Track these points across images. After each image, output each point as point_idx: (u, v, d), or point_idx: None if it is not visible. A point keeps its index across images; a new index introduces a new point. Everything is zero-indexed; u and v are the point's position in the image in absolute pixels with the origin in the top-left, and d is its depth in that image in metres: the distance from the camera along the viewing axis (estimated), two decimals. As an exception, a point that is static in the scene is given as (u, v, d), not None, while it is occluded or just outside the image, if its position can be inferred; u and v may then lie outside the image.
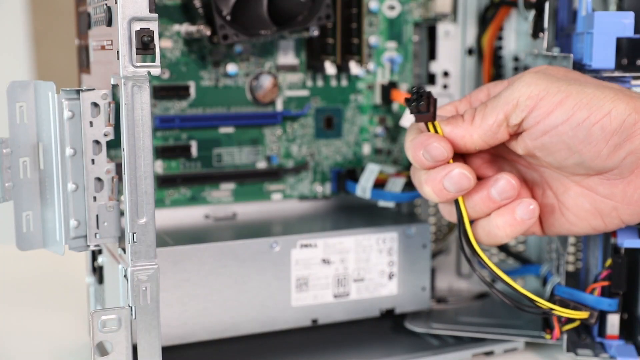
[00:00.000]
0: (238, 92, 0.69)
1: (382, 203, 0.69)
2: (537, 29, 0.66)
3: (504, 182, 0.55)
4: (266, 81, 0.69)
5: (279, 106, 0.71)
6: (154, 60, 0.51)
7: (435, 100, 0.54)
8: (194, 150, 0.68)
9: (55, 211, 0.54)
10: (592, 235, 0.63)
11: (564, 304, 0.60)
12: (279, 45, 0.70)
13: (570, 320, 0.61)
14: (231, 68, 0.68)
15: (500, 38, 0.74)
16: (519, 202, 0.56)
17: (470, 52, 0.74)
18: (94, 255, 0.64)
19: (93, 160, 0.54)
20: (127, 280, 0.52)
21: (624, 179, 0.53)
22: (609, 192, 0.54)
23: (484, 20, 0.73)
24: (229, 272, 0.61)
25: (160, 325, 0.52)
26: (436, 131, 0.55)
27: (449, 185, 0.54)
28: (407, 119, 0.70)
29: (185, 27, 0.66)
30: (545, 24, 0.63)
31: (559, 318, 0.62)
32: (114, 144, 0.54)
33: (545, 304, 0.58)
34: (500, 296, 0.57)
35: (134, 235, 0.51)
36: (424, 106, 0.53)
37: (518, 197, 0.56)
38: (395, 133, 0.75)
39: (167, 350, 0.56)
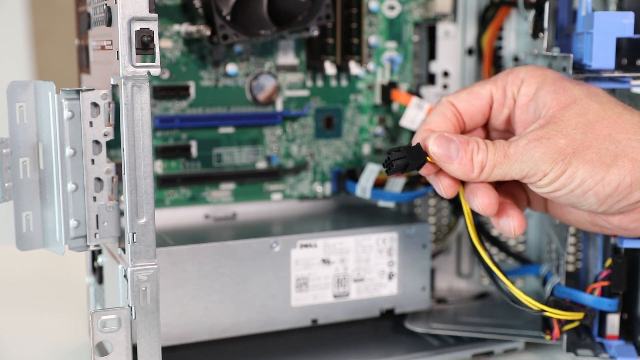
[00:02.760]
0: (238, 92, 0.69)
1: (382, 203, 0.69)
2: (537, 29, 0.66)
3: (476, 202, 0.55)
4: (268, 83, 0.69)
5: (279, 106, 0.71)
6: (153, 60, 0.51)
7: (421, 162, 0.54)
8: (193, 150, 0.68)
9: (55, 211, 0.54)
10: (592, 234, 0.63)
11: (559, 304, 0.60)
12: (279, 45, 0.70)
13: (570, 320, 0.61)
14: (231, 68, 0.68)
15: (500, 38, 0.74)
16: (504, 217, 0.56)
17: (470, 52, 0.74)
18: (94, 255, 0.64)
19: (93, 160, 0.54)
20: (127, 280, 0.52)
21: (621, 214, 0.55)
22: (606, 218, 0.56)
23: (484, 20, 0.73)
24: (229, 272, 0.61)
25: (160, 325, 0.52)
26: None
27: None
28: (407, 119, 0.70)
29: (185, 27, 0.66)
30: (545, 24, 0.63)
31: (558, 318, 0.62)
32: (114, 144, 0.54)
33: (537, 306, 0.58)
34: (500, 288, 0.57)
35: (134, 235, 0.51)
36: (396, 171, 0.54)
37: (507, 210, 0.57)
38: (395, 133, 0.75)
39: (167, 350, 0.56)
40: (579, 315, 0.59)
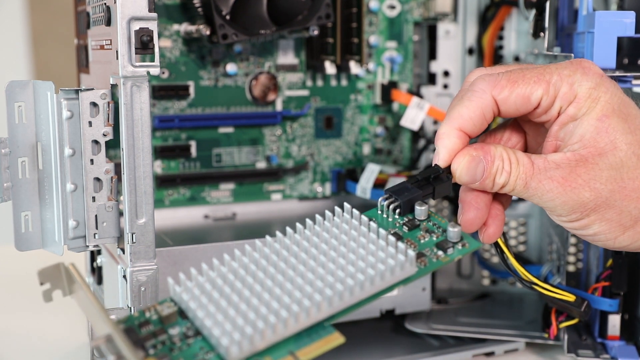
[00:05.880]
0: (237, 92, 0.69)
1: (382, 203, 0.69)
2: (537, 29, 0.66)
3: (460, 216, 0.54)
4: (261, 77, 0.69)
5: (279, 106, 0.71)
6: (153, 60, 0.50)
7: (445, 195, 0.54)
8: (193, 150, 0.68)
9: (54, 211, 0.54)
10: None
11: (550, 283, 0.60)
12: (279, 45, 0.70)
13: (568, 318, 0.61)
14: (231, 68, 0.68)
15: (500, 37, 0.73)
16: (484, 227, 0.55)
17: (470, 51, 0.74)
18: (93, 255, 0.64)
19: (92, 160, 0.54)
20: (126, 280, 0.52)
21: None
22: None
23: (485, 19, 0.73)
24: (228, 272, 0.61)
25: (160, 325, 0.52)
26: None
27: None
28: (407, 119, 0.70)
29: (184, 27, 0.65)
30: (546, 24, 0.63)
31: (557, 316, 0.62)
32: (113, 144, 0.54)
33: (528, 277, 0.57)
34: (500, 255, 0.57)
35: (133, 235, 0.51)
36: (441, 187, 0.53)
37: (487, 220, 0.55)
38: (395, 133, 0.75)
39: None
40: (569, 297, 0.59)
